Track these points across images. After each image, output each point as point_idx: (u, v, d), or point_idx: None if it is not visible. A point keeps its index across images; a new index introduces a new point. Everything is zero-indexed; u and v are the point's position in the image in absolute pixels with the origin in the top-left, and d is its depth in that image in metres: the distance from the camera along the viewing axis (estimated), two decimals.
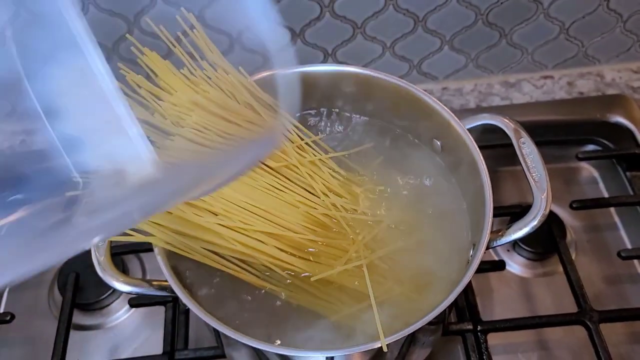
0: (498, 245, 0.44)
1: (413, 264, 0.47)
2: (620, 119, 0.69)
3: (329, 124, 0.55)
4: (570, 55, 0.74)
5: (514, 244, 0.63)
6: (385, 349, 0.38)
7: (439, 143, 0.51)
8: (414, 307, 0.46)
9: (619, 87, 0.74)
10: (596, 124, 0.69)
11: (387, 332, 0.39)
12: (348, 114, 0.55)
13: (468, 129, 0.48)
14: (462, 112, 0.71)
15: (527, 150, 0.47)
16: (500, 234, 0.44)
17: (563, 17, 0.68)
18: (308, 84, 0.52)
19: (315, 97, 0.54)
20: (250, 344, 0.39)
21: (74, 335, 0.57)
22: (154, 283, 0.43)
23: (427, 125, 0.51)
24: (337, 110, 0.55)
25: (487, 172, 0.45)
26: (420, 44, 0.70)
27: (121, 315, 0.61)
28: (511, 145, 0.49)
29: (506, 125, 0.48)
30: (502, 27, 0.69)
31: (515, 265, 0.62)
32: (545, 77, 0.76)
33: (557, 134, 0.70)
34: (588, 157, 0.65)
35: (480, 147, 0.47)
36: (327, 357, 0.40)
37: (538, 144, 0.48)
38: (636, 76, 0.75)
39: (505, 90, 0.75)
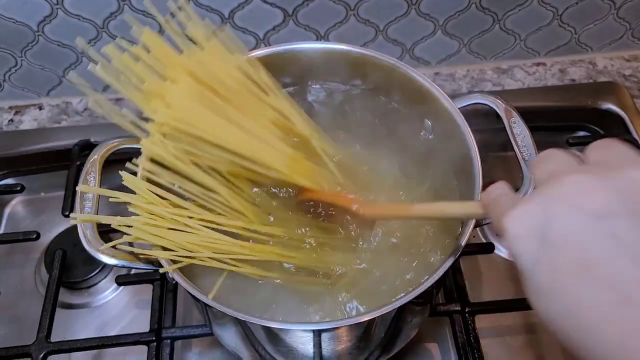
0: (487, 223, 0.44)
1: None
2: (611, 106, 0.69)
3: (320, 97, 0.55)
4: (562, 42, 0.74)
5: None
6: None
7: (429, 122, 0.51)
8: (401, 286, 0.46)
9: (610, 75, 0.75)
10: (587, 111, 0.69)
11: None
12: (340, 90, 0.55)
13: (459, 109, 0.48)
14: (454, 98, 0.71)
15: (518, 130, 0.47)
16: None
17: (556, 3, 0.68)
18: (303, 61, 0.52)
19: (308, 74, 0.54)
20: (238, 317, 0.38)
21: (60, 313, 0.57)
22: (141, 256, 0.43)
23: (418, 104, 0.51)
24: (327, 86, 0.55)
25: (477, 150, 0.45)
26: (413, 27, 0.69)
27: (109, 294, 0.61)
28: (502, 130, 0.49)
29: (497, 104, 0.48)
30: (495, 12, 0.68)
31: (504, 249, 0.62)
32: (538, 64, 0.76)
33: (549, 120, 0.70)
34: (579, 143, 0.65)
35: (472, 132, 0.47)
36: (314, 332, 0.40)
37: (529, 129, 0.48)
38: (628, 64, 0.76)
39: (497, 76, 0.75)
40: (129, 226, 0.41)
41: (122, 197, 0.41)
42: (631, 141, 0.65)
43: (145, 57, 0.42)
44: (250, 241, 0.45)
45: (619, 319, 0.23)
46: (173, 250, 0.41)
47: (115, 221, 0.41)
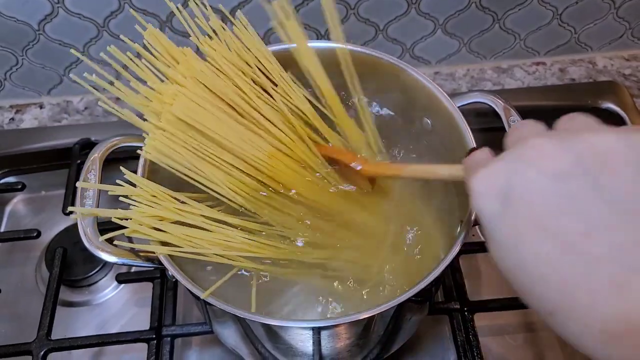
0: None
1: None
2: (611, 106, 0.69)
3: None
4: (562, 41, 0.74)
5: None
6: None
7: (429, 121, 0.51)
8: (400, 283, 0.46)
9: (610, 75, 0.75)
10: (587, 110, 0.67)
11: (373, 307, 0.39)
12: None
13: (459, 107, 0.48)
14: (454, 96, 0.71)
15: None
16: None
17: (556, 3, 0.68)
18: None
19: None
20: (238, 314, 0.38)
21: (61, 311, 0.57)
22: (141, 254, 0.43)
23: (417, 103, 0.51)
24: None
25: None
26: (413, 26, 0.69)
27: (109, 292, 0.61)
28: (502, 129, 0.49)
29: (496, 103, 0.48)
30: (495, 11, 0.69)
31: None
32: (538, 64, 0.76)
33: (548, 119, 0.69)
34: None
35: (471, 131, 0.47)
36: (313, 329, 0.40)
37: None
38: (628, 64, 0.76)
39: (497, 75, 0.75)
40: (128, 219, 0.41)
41: (123, 191, 0.42)
42: None
43: (148, 56, 0.42)
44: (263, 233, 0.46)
45: (562, 267, 0.25)
46: (174, 245, 0.41)
47: (115, 214, 0.41)
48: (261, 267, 0.45)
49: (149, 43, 0.45)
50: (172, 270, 0.40)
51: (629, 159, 0.25)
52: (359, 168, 0.46)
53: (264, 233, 0.46)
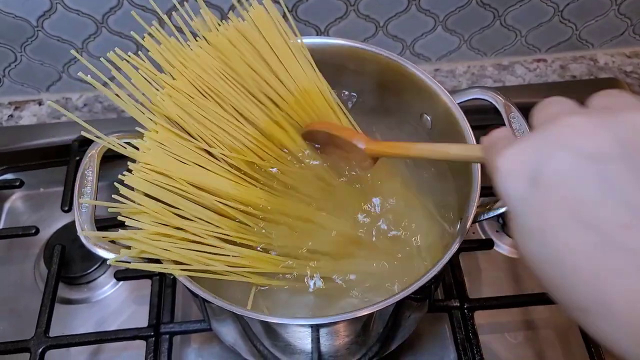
0: (486, 219, 0.44)
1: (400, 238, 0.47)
2: None
3: None
4: (563, 38, 0.74)
5: (503, 225, 0.63)
6: None
7: (429, 118, 0.51)
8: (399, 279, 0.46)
9: (611, 72, 0.74)
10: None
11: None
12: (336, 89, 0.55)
13: (459, 104, 0.48)
14: (454, 93, 0.71)
15: (517, 125, 0.46)
16: (487, 207, 0.44)
17: None
18: None
19: None
20: (236, 312, 0.38)
21: (59, 308, 0.57)
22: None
23: (416, 100, 0.51)
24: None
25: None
26: (413, 23, 0.69)
27: (108, 289, 0.61)
28: (502, 125, 0.48)
29: (496, 99, 0.47)
30: (496, 8, 0.68)
31: (504, 245, 0.62)
32: (539, 60, 0.76)
33: None
34: None
35: (471, 128, 0.47)
36: (312, 327, 0.40)
37: (529, 124, 0.47)
38: (629, 60, 0.75)
39: (498, 72, 0.75)
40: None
41: (124, 210, 0.41)
42: None
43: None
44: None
45: (598, 261, 0.23)
46: (181, 263, 0.41)
47: (119, 236, 0.41)
48: (267, 282, 0.45)
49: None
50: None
51: None
52: (361, 146, 0.43)
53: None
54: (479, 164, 0.43)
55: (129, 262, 0.40)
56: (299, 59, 0.49)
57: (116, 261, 0.41)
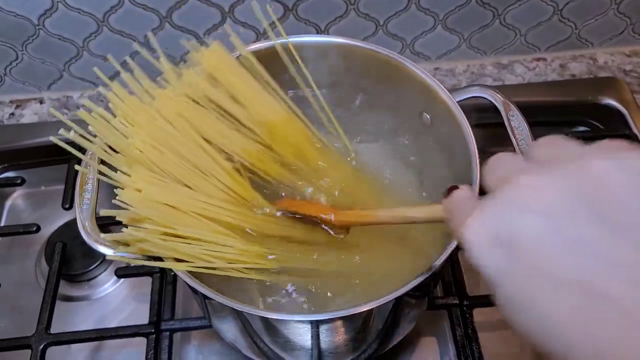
0: None
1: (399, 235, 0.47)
2: (611, 101, 0.69)
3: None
4: (563, 37, 0.74)
5: None
6: None
7: (428, 116, 0.51)
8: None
9: (611, 71, 0.75)
10: (587, 106, 0.69)
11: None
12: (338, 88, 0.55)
13: (458, 102, 0.48)
14: (453, 91, 0.71)
15: (516, 123, 0.47)
16: None
17: None
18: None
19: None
20: (236, 308, 0.39)
21: (60, 305, 0.57)
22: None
23: (416, 98, 0.51)
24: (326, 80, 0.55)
25: (475, 144, 0.45)
26: (413, 22, 0.69)
27: (108, 287, 0.61)
28: (501, 125, 0.49)
29: (495, 98, 0.48)
30: (495, 6, 0.68)
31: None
32: (538, 59, 0.76)
33: (549, 115, 0.70)
34: (578, 138, 0.65)
35: (470, 126, 0.47)
36: (312, 323, 0.40)
37: (529, 124, 0.48)
38: (629, 59, 0.75)
39: (497, 71, 0.75)
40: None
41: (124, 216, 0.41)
42: (631, 137, 0.65)
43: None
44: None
45: (585, 317, 0.22)
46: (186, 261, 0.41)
47: (124, 237, 0.41)
48: (268, 278, 0.45)
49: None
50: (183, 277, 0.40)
51: (628, 182, 0.23)
52: (332, 218, 0.46)
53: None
54: (478, 166, 0.44)
55: (132, 257, 0.41)
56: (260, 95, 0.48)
57: (118, 255, 0.41)
